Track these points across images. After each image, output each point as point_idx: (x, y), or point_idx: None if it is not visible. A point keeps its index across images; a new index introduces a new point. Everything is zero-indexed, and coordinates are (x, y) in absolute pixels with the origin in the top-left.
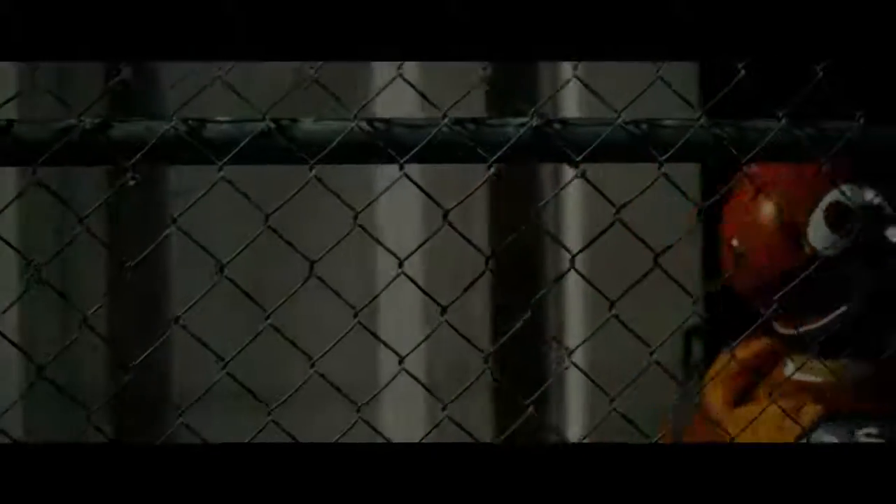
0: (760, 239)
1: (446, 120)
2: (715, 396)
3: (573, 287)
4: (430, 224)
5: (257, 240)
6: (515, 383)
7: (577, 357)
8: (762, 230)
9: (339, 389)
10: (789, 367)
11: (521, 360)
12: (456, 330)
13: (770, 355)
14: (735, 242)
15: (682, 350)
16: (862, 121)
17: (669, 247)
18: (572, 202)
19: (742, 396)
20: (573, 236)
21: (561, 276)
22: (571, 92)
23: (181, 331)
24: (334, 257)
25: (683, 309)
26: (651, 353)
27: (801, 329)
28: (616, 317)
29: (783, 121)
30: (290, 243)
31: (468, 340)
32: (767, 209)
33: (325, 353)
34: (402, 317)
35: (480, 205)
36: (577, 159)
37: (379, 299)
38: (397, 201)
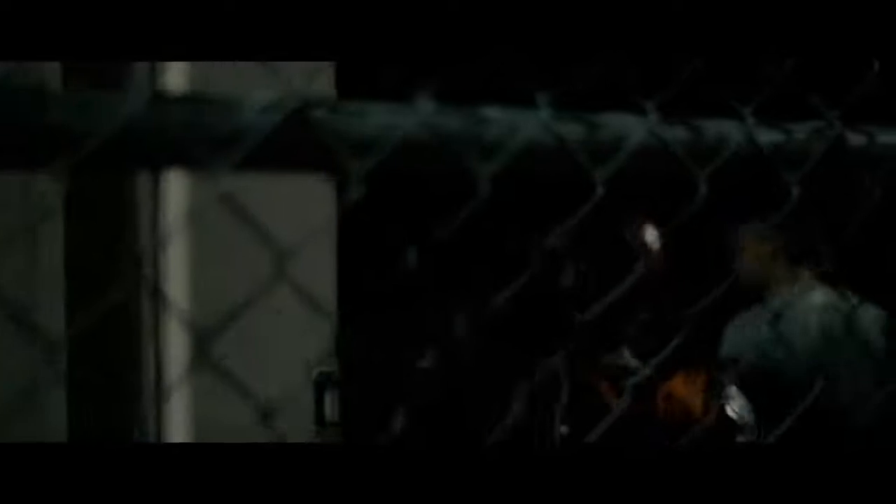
0: None
1: (145, 97)
2: None
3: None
4: None
5: None
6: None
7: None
8: None
9: None
10: None
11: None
12: None
13: None
14: None
15: (313, 401)
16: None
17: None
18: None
19: None
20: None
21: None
22: (175, 65)
23: None
24: None
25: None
26: None
27: None
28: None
29: (651, 116)
30: None
31: None
32: None
33: None
34: None
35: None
36: (359, 170)
37: None
38: None
